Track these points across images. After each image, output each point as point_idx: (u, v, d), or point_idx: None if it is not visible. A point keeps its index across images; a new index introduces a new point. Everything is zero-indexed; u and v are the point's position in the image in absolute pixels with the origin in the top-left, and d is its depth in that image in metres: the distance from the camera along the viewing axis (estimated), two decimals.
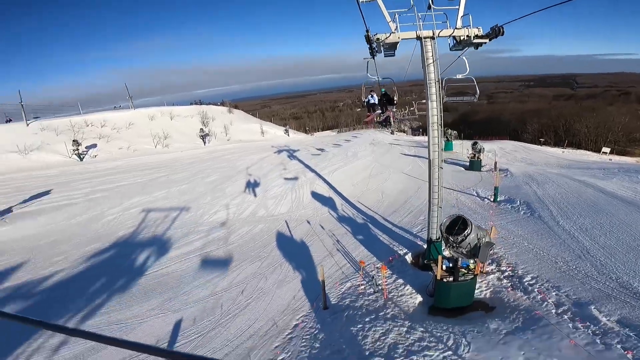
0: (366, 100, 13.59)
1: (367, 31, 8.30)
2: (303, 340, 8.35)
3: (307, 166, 25.64)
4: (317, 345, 8.08)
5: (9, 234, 16.36)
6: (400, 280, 10.49)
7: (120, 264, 13.38)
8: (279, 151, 31.94)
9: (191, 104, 51.93)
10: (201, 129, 41.03)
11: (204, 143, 39.87)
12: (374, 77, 10.30)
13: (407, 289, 10.07)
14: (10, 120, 37.74)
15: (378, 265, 10.47)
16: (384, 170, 24.81)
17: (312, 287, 10.72)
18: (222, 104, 57.34)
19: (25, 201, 20.29)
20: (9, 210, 19.08)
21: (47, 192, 21.74)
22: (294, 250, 13.66)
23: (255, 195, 20.43)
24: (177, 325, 9.49)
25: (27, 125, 35.25)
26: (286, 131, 50.11)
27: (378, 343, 7.70)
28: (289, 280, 11.43)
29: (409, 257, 12.04)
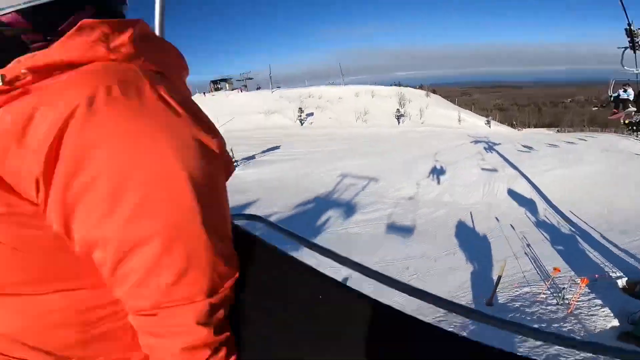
0: (615, 94, 11.51)
1: (629, 24, 6.87)
2: (451, 326, 8.21)
3: (508, 161, 22.91)
4: (464, 333, 7.84)
5: (252, 176, 21.69)
6: (598, 301, 8.54)
7: (314, 217, 15.74)
8: (476, 141, 29.68)
9: (391, 85, 54.17)
10: (397, 109, 42.62)
11: (398, 123, 41.40)
12: (632, 69, 8.37)
13: (603, 311, 8.16)
14: (259, 88, 50.72)
15: (576, 279, 8.85)
16: (618, 181, 19.26)
17: (482, 283, 10.12)
18: (421, 87, 57.13)
19: (263, 152, 27.08)
20: (252, 157, 25.80)
21: (277, 147, 28.30)
22: (472, 242, 13.04)
23: (442, 179, 20.18)
24: None
25: (272, 92, 46.24)
26: (488, 122, 45.41)
27: (536, 350, 6.81)
28: (459, 270, 11.16)
29: (621, 282, 9.54)
